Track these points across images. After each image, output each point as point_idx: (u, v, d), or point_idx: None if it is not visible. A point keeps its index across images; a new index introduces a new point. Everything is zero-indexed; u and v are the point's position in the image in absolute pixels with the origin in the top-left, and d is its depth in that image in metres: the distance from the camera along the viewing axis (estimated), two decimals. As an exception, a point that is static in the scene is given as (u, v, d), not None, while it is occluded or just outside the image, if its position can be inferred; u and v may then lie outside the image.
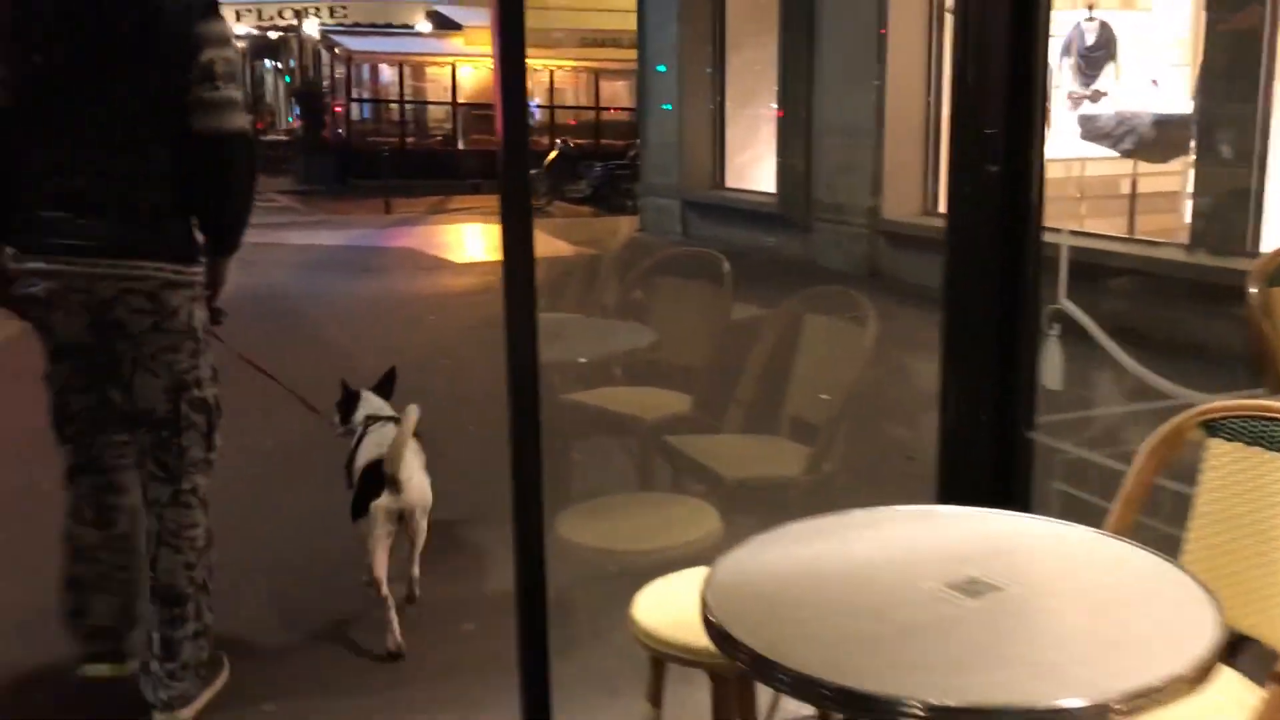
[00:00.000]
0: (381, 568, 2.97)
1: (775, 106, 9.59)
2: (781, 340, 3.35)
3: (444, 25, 22.23)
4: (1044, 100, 2.54)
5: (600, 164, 17.31)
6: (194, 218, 2.61)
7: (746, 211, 10.46)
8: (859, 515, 1.73)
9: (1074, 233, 2.99)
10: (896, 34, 8.45)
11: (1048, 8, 2.49)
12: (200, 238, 2.63)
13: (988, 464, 2.58)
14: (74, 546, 2.73)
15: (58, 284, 2.50)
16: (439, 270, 9.78)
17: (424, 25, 22.35)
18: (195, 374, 2.62)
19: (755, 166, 11.33)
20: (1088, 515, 2.07)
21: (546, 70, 22.94)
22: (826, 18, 9.00)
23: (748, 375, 3.32)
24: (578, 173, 17.43)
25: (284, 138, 24.14)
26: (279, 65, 28.20)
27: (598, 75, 23.86)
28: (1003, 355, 2.51)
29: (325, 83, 23.03)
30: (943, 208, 8.57)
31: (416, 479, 3.06)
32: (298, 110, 24.08)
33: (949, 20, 8.44)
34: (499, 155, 2.21)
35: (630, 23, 23.38)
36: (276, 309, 7.91)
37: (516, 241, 2.21)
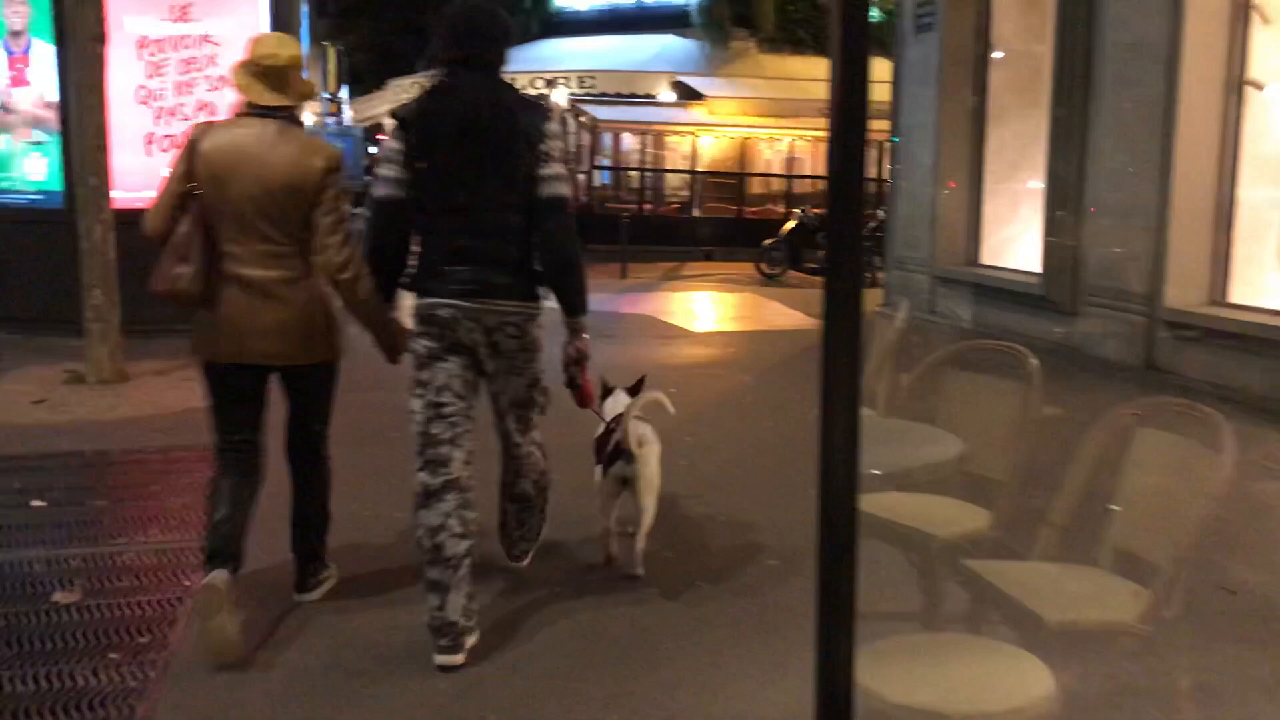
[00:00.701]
0: (609, 518, 4.14)
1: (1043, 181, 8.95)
2: (1105, 454, 2.89)
3: (688, 95, 22.48)
4: None
5: (840, 235, 16.85)
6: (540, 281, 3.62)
7: (1003, 290, 9.83)
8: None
9: None
10: (1187, 108, 7.73)
11: None
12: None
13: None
14: (437, 553, 3.43)
15: (454, 311, 3.50)
16: (677, 339, 9.60)
17: (668, 95, 22.66)
18: (540, 373, 3.74)
19: (1014, 244, 10.68)
20: None
21: (786, 139, 22.80)
22: (1106, 90, 8.36)
23: (1064, 494, 2.87)
24: (816, 243, 17.05)
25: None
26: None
27: (838, 145, 23.53)
28: None
29: (571, 149, 23.67)
30: (1235, 298, 7.76)
31: (648, 459, 4.02)
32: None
33: (1250, 94, 7.70)
34: (827, 241, 1.88)
35: (876, 94, 23.06)
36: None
37: (842, 348, 1.81)
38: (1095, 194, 8.50)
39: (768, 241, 17.75)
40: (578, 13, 25.71)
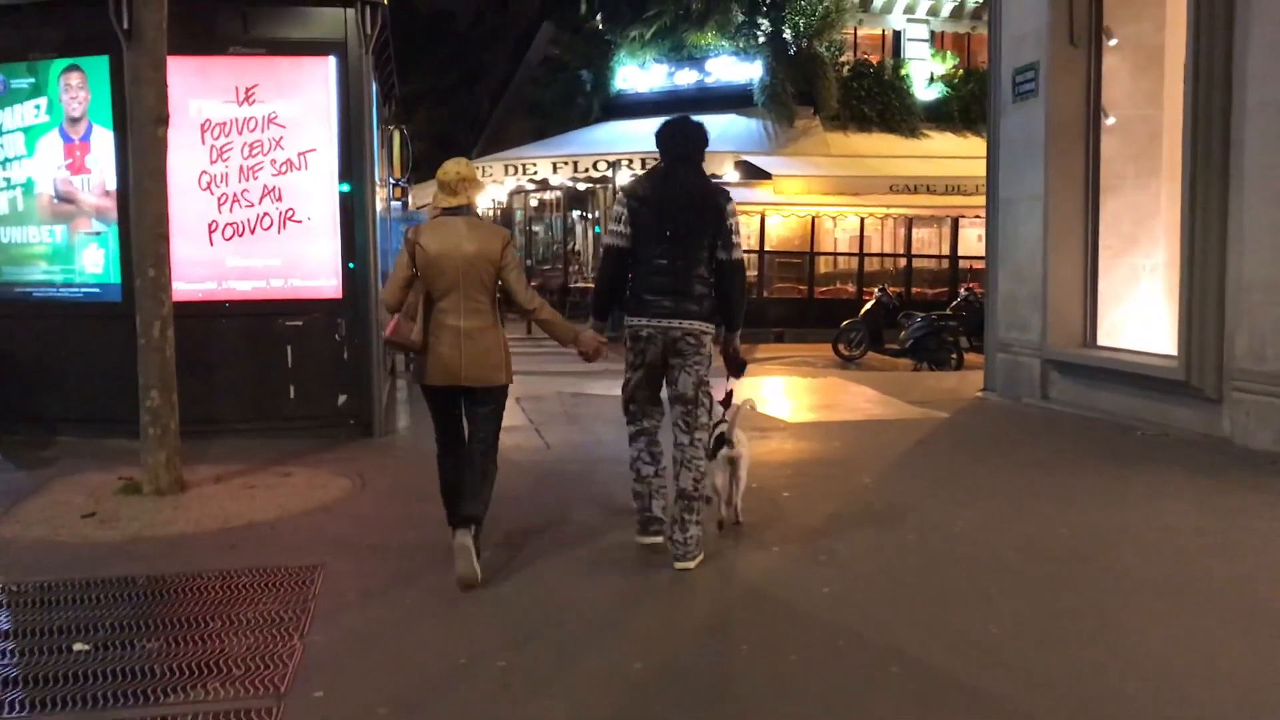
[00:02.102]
0: (720, 485, 5.52)
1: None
2: None
3: (754, 175, 21.96)
4: None
5: (921, 315, 16.10)
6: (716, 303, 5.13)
7: (1131, 375, 8.97)
8: None
9: None
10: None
11: None
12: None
13: None
14: (638, 475, 5.27)
15: (652, 330, 5.04)
16: (774, 432, 8.81)
17: (732, 174, 22.14)
18: (705, 377, 5.10)
19: (1133, 324, 9.84)
20: None
21: (856, 217, 22.15)
22: (1252, 153, 7.59)
23: None
24: (896, 323, 16.29)
25: (591, 285, 24.39)
26: (587, 216, 28.89)
27: (911, 222, 22.81)
28: None
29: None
30: None
31: (742, 445, 5.52)
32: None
33: None
34: None
35: (946, 169, 22.41)
36: (613, 476, 7.15)
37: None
38: (1241, 268, 7.68)
39: (846, 323, 17.01)
40: (639, 94, 25.37)
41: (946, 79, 25.32)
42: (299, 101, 8.45)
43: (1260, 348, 7.51)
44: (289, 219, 8.47)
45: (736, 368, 5.45)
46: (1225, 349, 7.83)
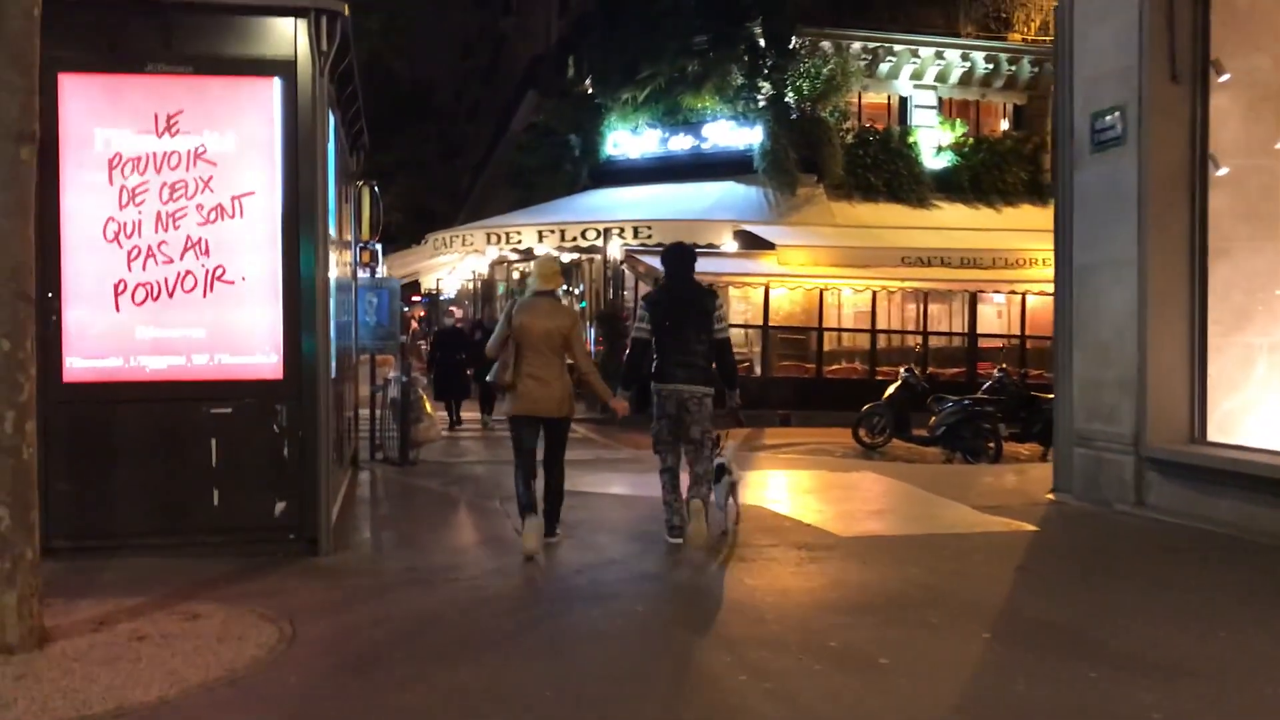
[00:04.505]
0: (724, 508, 7.63)
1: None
2: None
3: (756, 245, 20.36)
4: None
5: (953, 399, 14.37)
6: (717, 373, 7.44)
7: (1263, 479, 7.22)
8: None
9: None
10: None
11: None
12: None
13: None
14: (667, 497, 7.36)
15: (670, 392, 7.24)
16: (824, 552, 7.00)
17: (730, 244, 20.55)
18: (709, 425, 7.30)
19: (1253, 415, 8.14)
20: None
21: (866, 290, 20.51)
22: None
23: None
24: (925, 408, 14.55)
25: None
26: (572, 290, 27.18)
27: (925, 297, 21.20)
28: None
29: (629, 304, 21.50)
30: None
31: (737, 473, 7.74)
32: (595, 333, 22.53)
33: None
34: None
35: (960, 241, 20.91)
36: (619, 626, 5.34)
37: None
38: None
39: (867, 406, 15.27)
40: (630, 160, 23.86)
41: (955, 148, 23.99)
42: (234, 133, 6.74)
43: None
44: (218, 279, 6.71)
45: (736, 421, 7.55)
46: None
